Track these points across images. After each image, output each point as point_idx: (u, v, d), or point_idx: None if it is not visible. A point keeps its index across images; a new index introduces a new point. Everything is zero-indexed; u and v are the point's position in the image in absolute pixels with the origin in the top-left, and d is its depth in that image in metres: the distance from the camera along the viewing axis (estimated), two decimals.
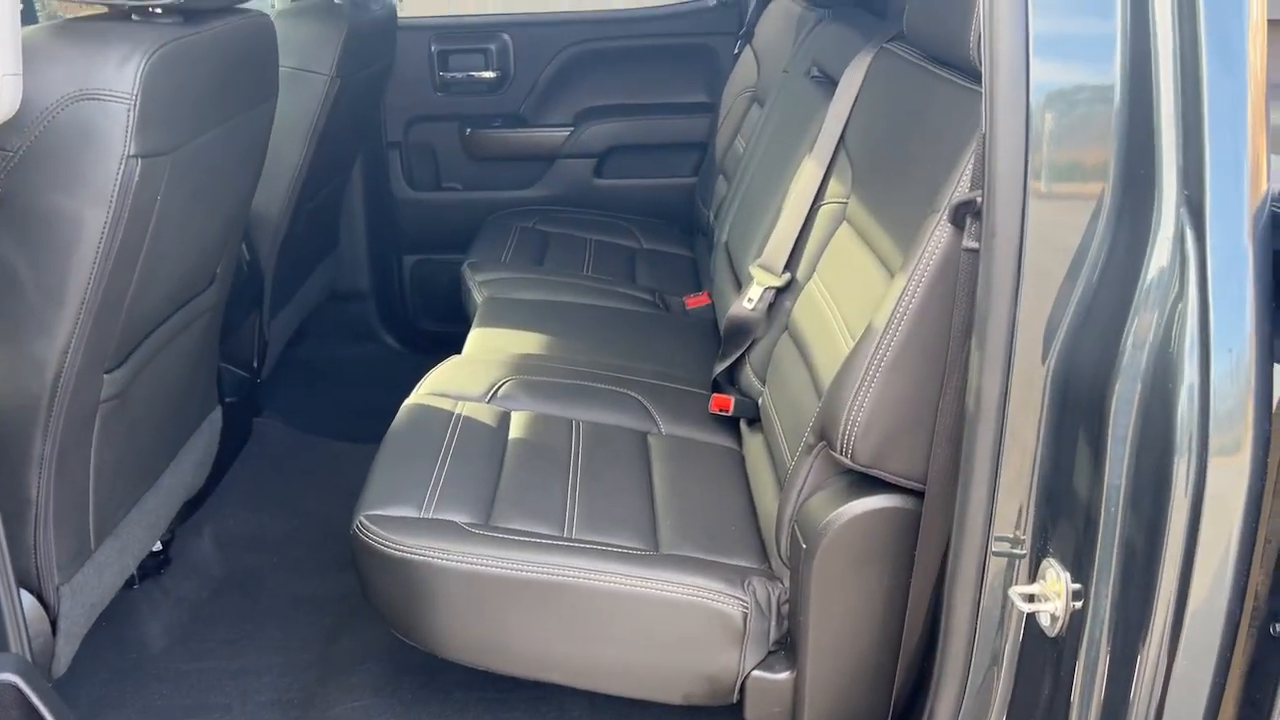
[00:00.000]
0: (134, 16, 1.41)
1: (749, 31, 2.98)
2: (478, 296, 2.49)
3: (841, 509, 1.34)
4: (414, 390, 1.93)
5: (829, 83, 2.01)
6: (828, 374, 1.51)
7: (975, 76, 1.34)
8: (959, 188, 1.24)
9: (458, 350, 2.21)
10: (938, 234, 1.25)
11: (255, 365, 2.52)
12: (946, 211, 1.23)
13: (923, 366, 1.27)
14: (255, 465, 2.51)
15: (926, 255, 1.25)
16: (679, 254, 3.02)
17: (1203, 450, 0.97)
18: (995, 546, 1.18)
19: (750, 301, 1.88)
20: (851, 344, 1.46)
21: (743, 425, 1.93)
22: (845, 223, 1.74)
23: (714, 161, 2.96)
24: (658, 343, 2.29)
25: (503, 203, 3.20)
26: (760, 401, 1.85)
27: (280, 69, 2.23)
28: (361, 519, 1.51)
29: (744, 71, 2.93)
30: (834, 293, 1.66)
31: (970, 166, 1.23)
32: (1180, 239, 0.99)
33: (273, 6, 2.78)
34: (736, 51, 3.06)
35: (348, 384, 3.12)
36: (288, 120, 2.34)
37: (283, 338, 2.74)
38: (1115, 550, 1.05)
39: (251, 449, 2.57)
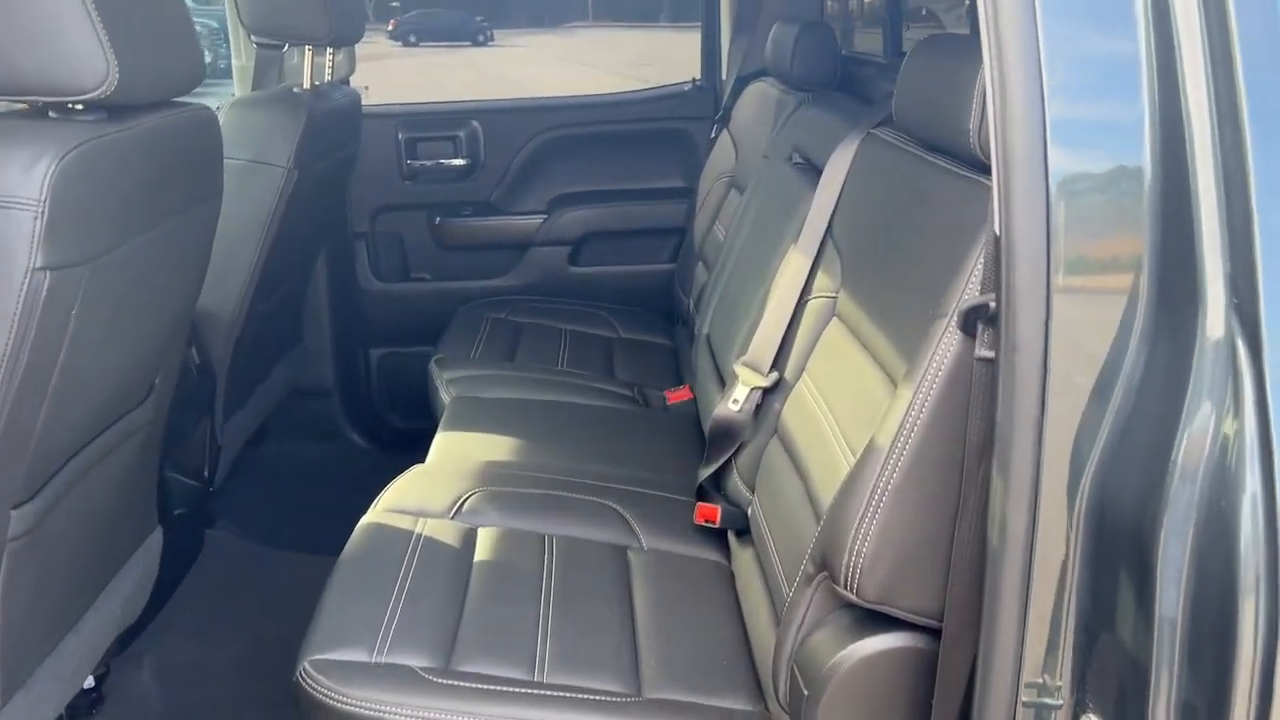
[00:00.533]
0: (51, 114, 1.28)
1: (725, 115, 2.90)
2: (445, 396, 2.34)
3: (848, 649, 1.18)
4: (372, 506, 1.77)
5: (812, 170, 1.91)
6: (824, 487, 1.36)
7: (973, 164, 1.22)
8: (968, 290, 1.12)
9: (427, 447, 2.07)
10: (946, 341, 1.11)
11: (206, 474, 2.35)
12: (956, 317, 1.10)
13: (934, 490, 1.12)
14: (205, 584, 2.32)
15: (934, 365, 1.12)
16: (658, 343, 2.89)
17: (1273, 593, 0.83)
18: (1025, 695, 1.02)
19: (736, 403, 1.74)
20: (849, 454, 1.32)
21: (731, 537, 1.77)
22: (836, 319, 1.62)
23: (693, 248, 2.86)
24: (638, 444, 2.14)
25: (474, 293, 3.07)
26: (750, 512, 1.70)
27: (233, 162, 2.11)
28: (305, 665, 1.34)
29: (721, 156, 2.84)
30: (826, 395, 1.53)
31: (979, 266, 1.10)
32: (1230, 348, 0.86)
33: (232, 96, 2.68)
34: (713, 136, 2.97)
35: (311, 486, 2.95)
36: (242, 216, 2.22)
37: (238, 441, 2.58)
38: (1172, 713, 0.89)
39: (202, 565, 2.39)
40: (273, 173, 2.23)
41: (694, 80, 3.14)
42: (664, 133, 3.14)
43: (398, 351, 3.18)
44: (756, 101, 2.68)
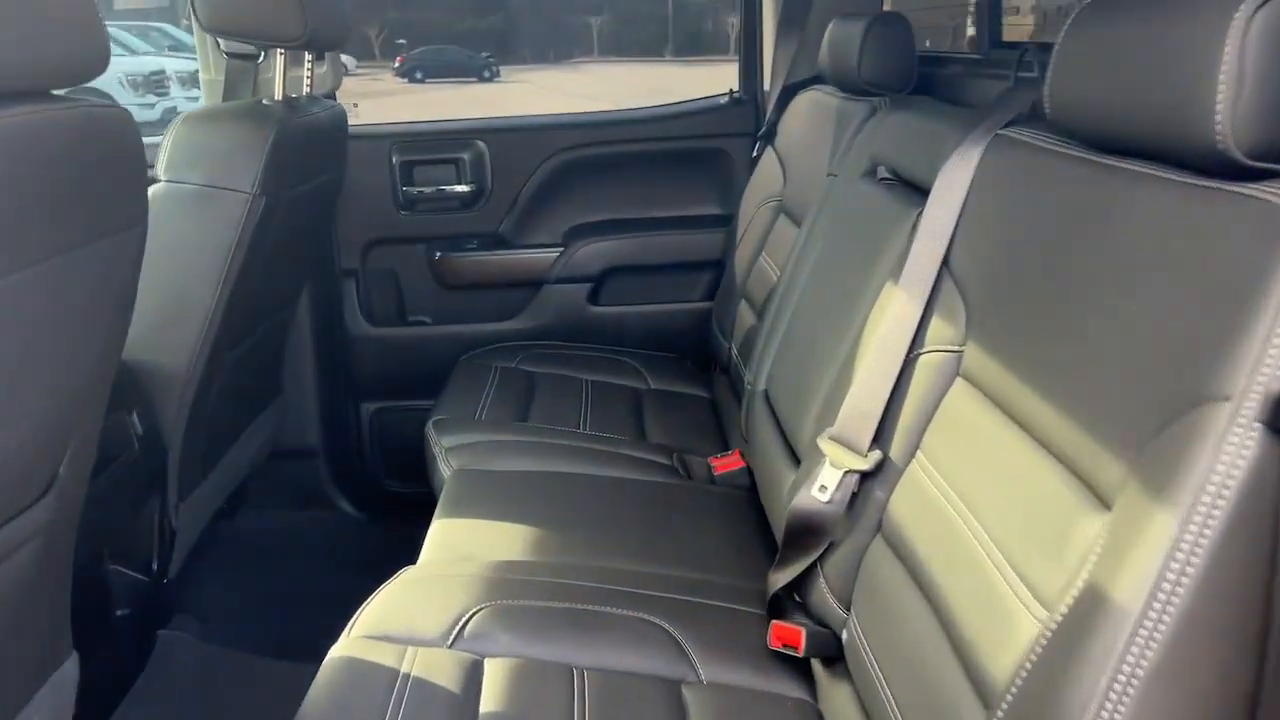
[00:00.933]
0: None
1: (770, 131, 2.51)
2: (444, 468, 1.93)
3: None
4: (345, 630, 1.35)
5: (909, 188, 1.50)
6: (971, 620, 0.96)
7: (1217, 170, 0.82)
8: (1265, 363, 0.70)
9: (428, 515, 1.72)
10: (1233, 443, 0.70)
11: (157, 566, 1.94)
12: (1249, 404, 0.68)
13: (1217, 672, 0.70)
14: (152, 702, 1.90)
15: (1213, 480, 0.70)
16: (694, 395, 2.48)
17: None
18: None
19: (824, 490, 1.32)
20: (1008, 574, 0.92)
21: (818, 666, 1.35)
22: (962, 380, 1.20)
23: (734, 284, 2.45)
24: (685, 531, 1.72)
25: (480, 338, 2.67)
26: (845, 636, 1.28)
27: (184, 187, 1.72)
28: None
29: (766, 177, 2.44)
30: (958, 484, 1.11)
31: None
32: None
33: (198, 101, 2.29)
34: (755, 154, 2.58)
35: (291, 564, 2.54)
36: (196, 251, 1.83)
37: (199, 522, 2.16)
38: None
39: (152, 675, 1.97)
40: (233, 200, 1.83)
41: (731, 92, 2.75)
42: (697, 153, 2.74)
43: (393, 406, 2.77)
44: (810, 112, 2.29)
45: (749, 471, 1.93)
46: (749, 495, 1.88)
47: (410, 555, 1.60)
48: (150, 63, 10.07)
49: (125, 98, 12.55)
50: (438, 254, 2.70)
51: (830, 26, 2.18)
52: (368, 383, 2.75)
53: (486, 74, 27.67)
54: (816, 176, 2.10)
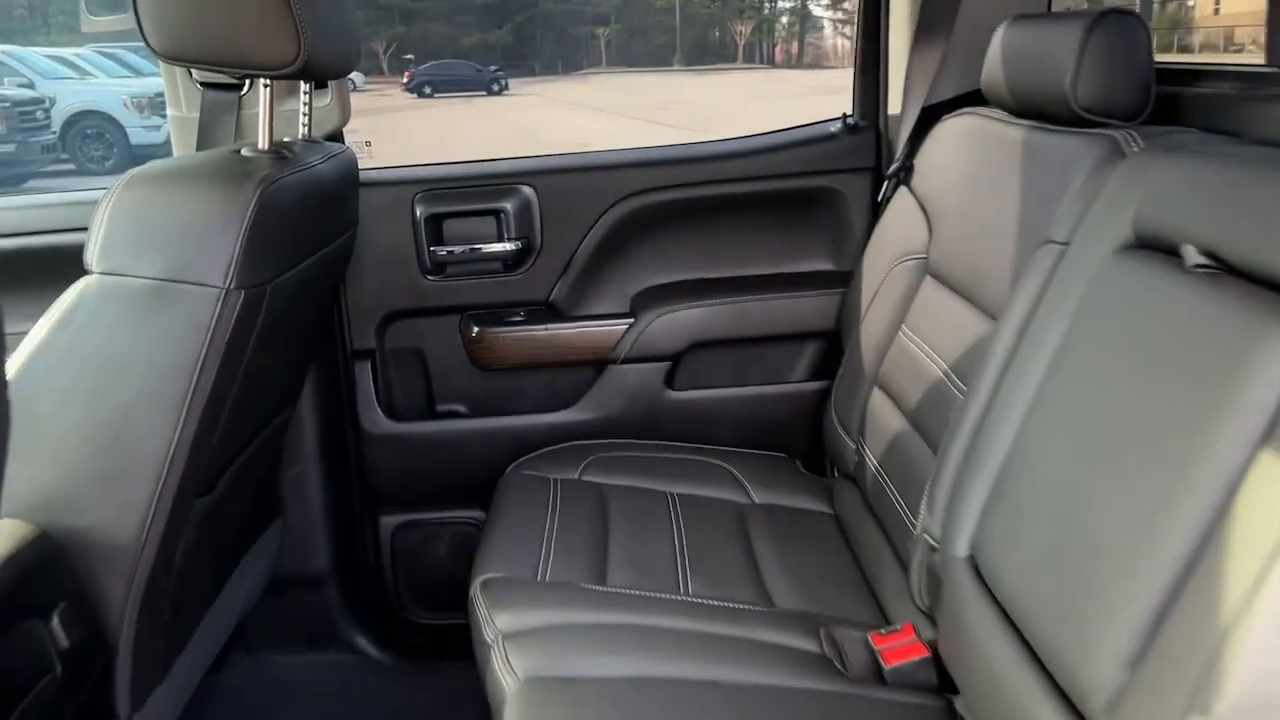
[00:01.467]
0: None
1: (905, 167, 1.93)
2: (502, 672, 1.35)
3: None
4: None
5: (1257, 285, 0.93)
6: None
7: None
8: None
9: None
10: None
11: None
12: None
13: None
14: None
15: None
16: (813, 511, 1.91)
17: None
18: None
19: None
20: None
21: None
22: None
23: (860, 365, 1.88)
24: None
25: (529, 435, 2.11)
26: None
27: (130, 281, 1.21)
28: None
29: (901, 227, 1.87)
30: None
31: None
32: None
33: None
34: (883, 196, 2.00)
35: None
36: (143, 371, 1.29)
37: (175, 710, 1.60)
38: None
39: None
40: (197, 298, 1.27)
41: (845, 117, 2.17)
42: (802, 194, 2.16)
43: (420, 520, 2.20)
44: (969, 145, 1.72)
45: (935, 664, 1.36)
46: (944, 708, 1.31)
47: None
48: (156, 84, 9.63)
49: (130, 120, 12.10)
50: (475, 329, 2.13)
51: (1004, 31, 1.61)
52: (388, 492, 2.18)
53: (495, 87, 27.40)
54: (987, 231, 1.53)
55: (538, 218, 2.12)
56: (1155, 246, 1.13)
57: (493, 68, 28.37)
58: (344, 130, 1.97)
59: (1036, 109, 1.53)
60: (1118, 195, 1.23)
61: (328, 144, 1.72)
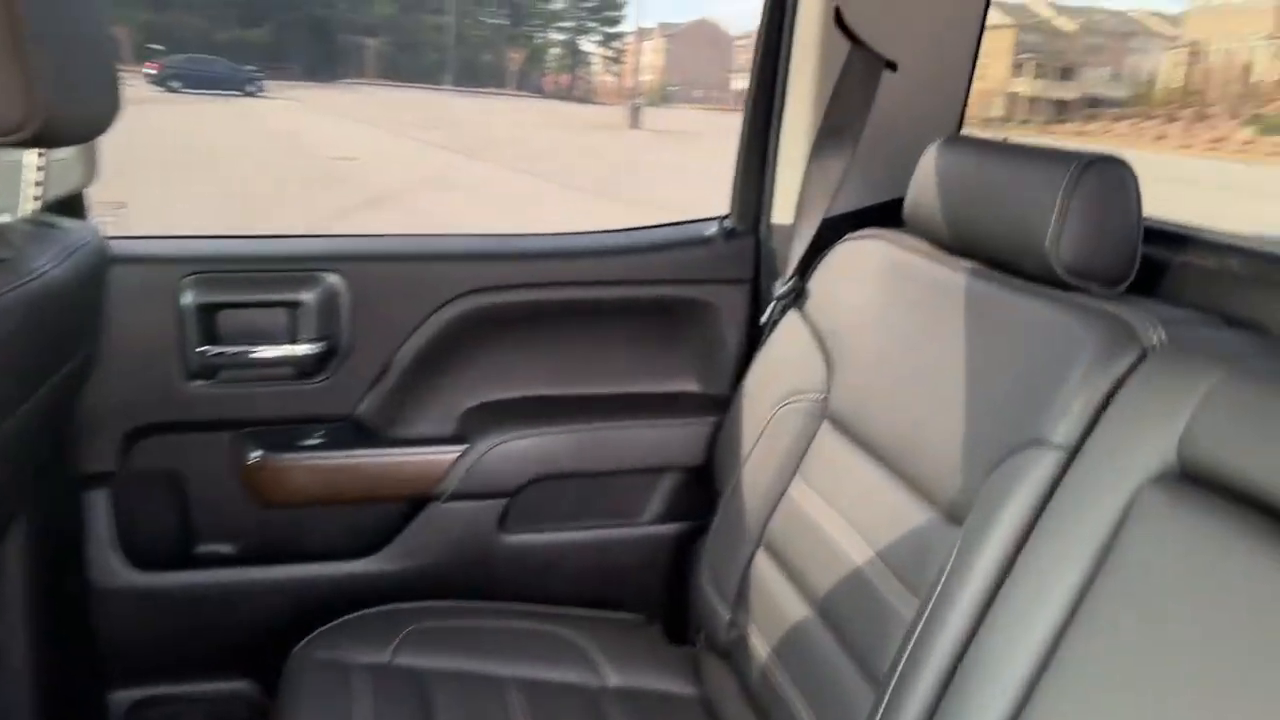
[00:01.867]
0: None
1: (798, 288, 1.65)
2: None
3: None
4: None
5: None
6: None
7: None
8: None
9: None
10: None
11: None
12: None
13: None
14: None
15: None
16: (677, 695, 1.58)
17: None
18: None
19: None
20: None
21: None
22: None
23: (741, 521, 1.57)
24: None
25: (320, 588, 1.66)
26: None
27: None
28: None
29: (790, 359, 1.59)
30: None
31: None
32: None
33: None
34: (766, 318, 1.71)
35: None
36: None
37: None
38: None
39: None
40: None
41: (722, 220, 1.87)
42: (668, 304, 1.84)
43: (166, 695, 1.69)
44: (883, 275, 1.46)
45: None
46: None
47: None
48: None
49: None
50: (254, 453, 1.66)
51: (938, 152, 1.36)
52: (124, 660, 1.66)
53: (251, 88, 25.77)
54: (926, 395, 1.27)
55: (346, 313, 1.68)
56: (1212, 486, 0.88)
57: (250, 68, 26.69)
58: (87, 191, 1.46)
59: (985, 252, 1.29)
60: (1146, 404, 0.98)
61: (64, 226, 1.22)
